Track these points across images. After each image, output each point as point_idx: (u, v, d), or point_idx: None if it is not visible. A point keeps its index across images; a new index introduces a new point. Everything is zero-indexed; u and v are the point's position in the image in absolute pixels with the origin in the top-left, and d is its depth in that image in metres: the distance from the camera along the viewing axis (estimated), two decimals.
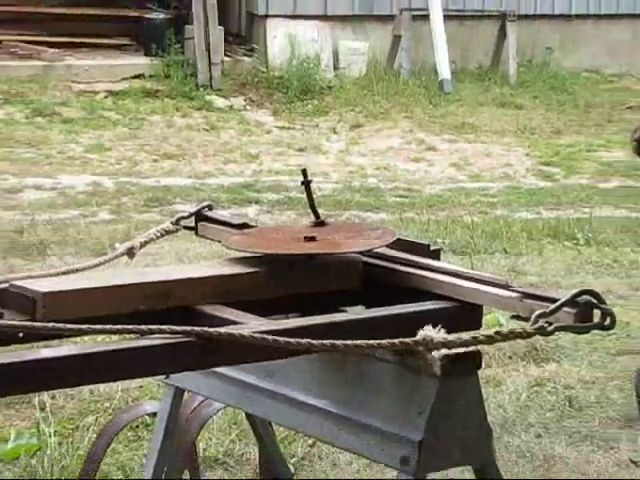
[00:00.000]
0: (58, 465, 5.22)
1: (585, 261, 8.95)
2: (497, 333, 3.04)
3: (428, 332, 3.09)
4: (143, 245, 3.87)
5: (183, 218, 3.98)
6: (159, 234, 3.92)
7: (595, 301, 3.13)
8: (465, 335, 3.11)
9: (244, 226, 3.83)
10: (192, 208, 3.99)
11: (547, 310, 3.06)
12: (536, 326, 3.05)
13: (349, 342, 3.01)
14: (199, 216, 3.95)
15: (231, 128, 14.68)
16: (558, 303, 3.11)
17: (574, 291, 3.15)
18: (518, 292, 3.25)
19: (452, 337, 3.12)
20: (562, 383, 6.33)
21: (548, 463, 5.35)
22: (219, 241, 3.84)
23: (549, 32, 18.64)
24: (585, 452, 5.58)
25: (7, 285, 3.30)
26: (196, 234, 3.98)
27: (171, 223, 3.97)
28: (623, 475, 5.28)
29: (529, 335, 3.09)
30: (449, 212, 10.50)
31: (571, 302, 3.12)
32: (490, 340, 3.10)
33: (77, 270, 3.86)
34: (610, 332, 4.78)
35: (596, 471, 5.30)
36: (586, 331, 3.19)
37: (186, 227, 3.96)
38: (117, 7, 18.40)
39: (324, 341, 2.99)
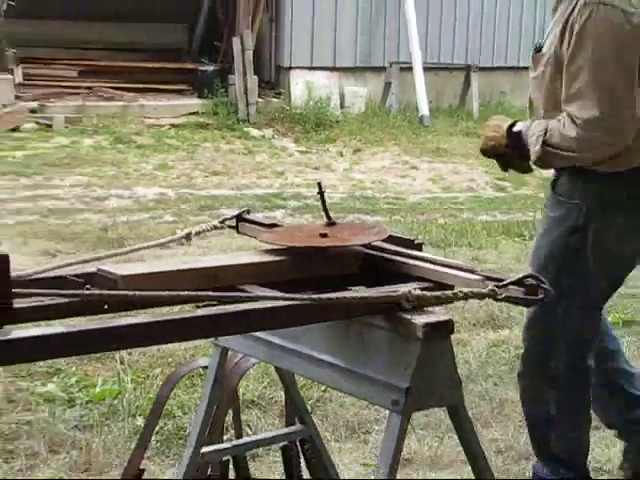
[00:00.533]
0: (133, 405, 5.24)
1: (525, 253, 8.95)
2: (460, 292, 3.17)
3: (408, 288, 3.20)
4: (197, 234, 3.87)
5: (227, 219, 3.98)
6: (209, 228, 3.93)
7: (537, 282, 3.14)
8: (437, 292, 3.20)
9: (273, 225, 3.84)
10: (234, 212, 3.99)
11: (500, 283, 3.13)
12: (488, 290, 3.13)
13: (349, 296, 3.15)
14: (239, 218, 3.95)
15: (263, 152, 14.65)
16: (508, 280, 3.17)
17: (521, 274, 3.20)
18: (481, 275, 3.26)
19: (426, 293, 3.22)
20: (513, 344, 6.31)
21: (502, 405, 5.37)
22: (254, 237, 3.85)
23: (503, 80, 18.59)
24: None
25: (95, 269, 3.32)
26: (237, 232, 3.97)
27: (218, 222, 3.98)
28: None
29: (484, 296, 3.20)
30: (427, 215, 10.54)
31: (519, 282, 3.15)
32: (454, 297, 3.25)
33: (147, 247, 3.93)
34: None
35: None
36: (528, 303, 3.25)
37: (229, 226, 3.97)
38: (178, 61, 18.40)
39: (333, 294, 3.11)
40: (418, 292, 3.20)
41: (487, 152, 4.38)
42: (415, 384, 3.20)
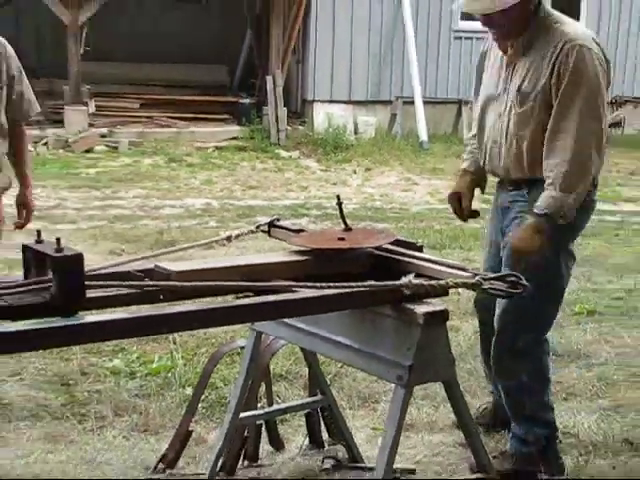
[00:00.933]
0: (183, 378, 5.24)
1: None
2: (451, 281, 3.18)
3: (408, 278, 3.21)
4: (236, 237, 3.87)
5: (261, 225, 3.97)
6: (246, 232, 3.92)
7: (517, 279, 3.11)
8: (432, 282, 3.19)
9: (299, 231, 3.84)
10: (266, 219, 3.97)
11: (485, 276, 3.19)
12: (474, 280, 3.17)
13: (360, 289, 3.15)
14: (271, 224, 3.94)
15: (291, 170, 14.62)
16: (492, 275, 3.23)
17: (504, 272, 3.32)
18: (470, 272, 3.26)
19: (423, 282, 3.21)
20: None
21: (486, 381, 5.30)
22: (284, 240, 3.83)
23: None
24: None
25: (153, 266, 3.31)
26: (269, 235, 3.96)
27: (254, 228, 3.96)
28: None
29: (470, 286, 3.21)
30: (426, 223, 10.49)
31: (502, 278, 3.18)
32: (446, 285, 3.21)
33: (195, 246, 3.95)
34: None
35: None
36: (509, 295, 3.19)
37: (262, 231, 3.96)
38: (222, 96, 18.38)
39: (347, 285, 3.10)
40: (416, 281, 3.20)
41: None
42: (416, 362, 3.20)
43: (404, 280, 3.25)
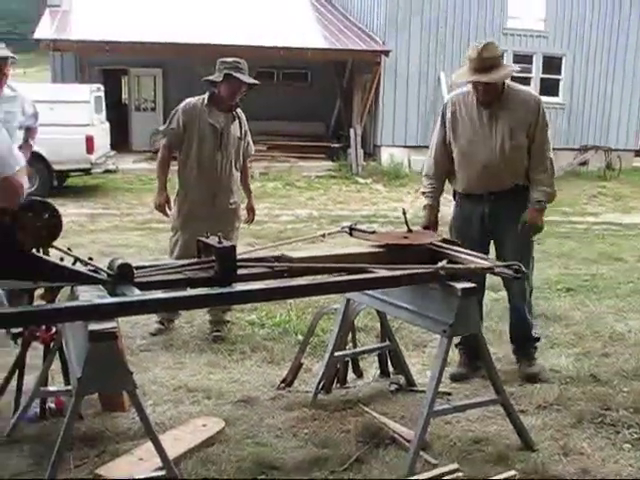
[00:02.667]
0: (296, 328, 5.22)
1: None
2: (474, 266, 3.23)
3: (442, 264, 3.23)
4: (329, 235, 3.93)
5: (344, 227, 3.93)
6: (335, 232, 3.92)
7: (519, 267, 3.12)
8: (459, 266, 3.24)
9: (373, 232, 3.78)
10: (348, 224, 3.94)
11: (496, 264, 3.24)
12: (489, 266, 3.22)
13: (414, 271, 3.11)
14: (351, 227, 3.88)
15: (365, 191, 14.58)
16: (502, 263, 3.28)
17: (510, 262, 3.28)
18: (490, 261, 3.24)
19: (453, 266, 3.24)
20: (505, 299, 6.08)
21: (500, 334, 5.16)
22: (361, 238, 3.79)
23: None
24: None
25: (280, 254, 3.30)
26: (350, 236, 3.90)
27: (340, 229, 3.92)
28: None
29: (488, 269, 3.26)
30: None
31: (509, 266, 3.15)
32: (469, 269, 3.24)
33: (302, 240, 3.92)
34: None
35: None
36: (514, 278, 3.24)
37: (346, 232, 3.91)
38: (320, 141, 18.44)
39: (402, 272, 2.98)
40: (448, 265, 3.20)
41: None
42: (456, 320, 3.16)
43: (440, 264, 3.21)
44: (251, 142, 5.37)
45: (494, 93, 4.17)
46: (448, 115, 4.34)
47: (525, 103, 4.23)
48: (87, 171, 12.98)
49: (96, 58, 17.62)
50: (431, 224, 4.51)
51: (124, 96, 21.75)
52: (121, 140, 17.49)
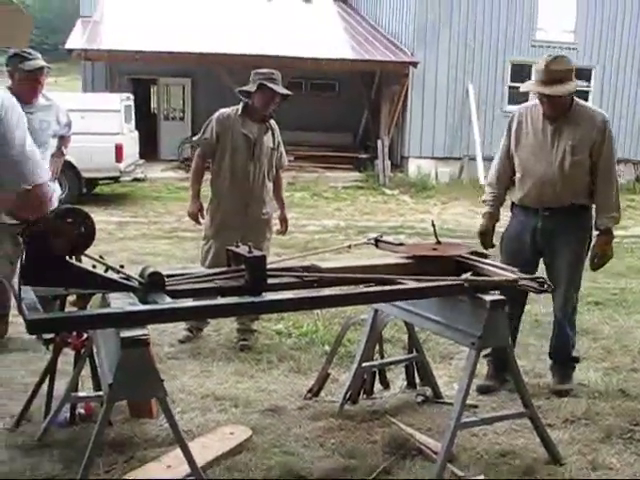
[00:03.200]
0: (323, 339, 5.22)
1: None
2: (498, 279, 3.21)
3: (466, 276, 3.26)
4: (354, 246, 3.94)
5: (370, 239, 3.91)
6: (360, 243, 3.95)
7: (543, 280, 3.16)
8: (483, 278, 3.23)
9: (401, 244, 3.77)
10: (374, 235, 3.94)
11: (522, 277, 3.21)
12: (512, 279, 3.18)
13: (441, 283, 3.06)
14: (377, 240, 3.87)
15: (392, 203, 14.57)
16: (527, 276, 3.25)
17: (535, 275, 3.32)
18: (515, 274, 3.23)
19: (477, 278, 3.22)
20: (532, 313, 6.10)
21: (527, 347, 5.17)
22: (387, 250, 3.78)
23: None
24: (542, 341, 5.37)
25: (309, 263, 3.31)
26: (376, 247, 3.88)
27: (366, 240, 3.92)
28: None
29: (513, 282, 3.20)
30: None
31: (534, 279, 3.20)
32: (493, 282, 3.21)
33: (328, 251, 3.95)
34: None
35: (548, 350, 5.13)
36: (539, 291, 3.21)
37: (371, 243, 3.89)
38: (347, 152, 18.46)
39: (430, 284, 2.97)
40: (472, 277, 3.21)
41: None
42: (485, 333, 3.14)
43: (463, 277, 3.22)
44: (284, 153, 5.39)
45: (560, 107, 4.14)
46: (514, 126, 4.37)
47: (591, 120, 4.19)
48: (116, 179, 13.12)
49: (126, 67, 17.85)
50: (488, 232, 4.54)
51: (153, 105, 21.98)
52: (150, 149, 17.66)
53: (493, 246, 4.58)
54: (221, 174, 5.09)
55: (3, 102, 2.19)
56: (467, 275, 3.24)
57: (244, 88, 5.06)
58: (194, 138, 5.24)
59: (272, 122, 5.21)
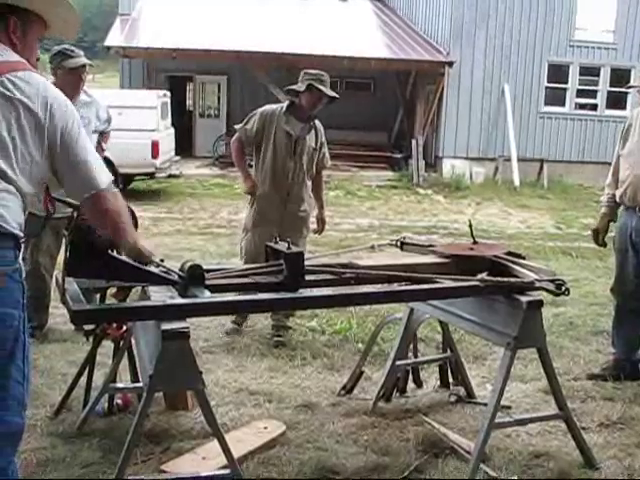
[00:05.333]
0: (356, 336, 5.25)
1: (577, 265, 8.60)
2: (514, 281, 3.19)
3: (482, 276, 3.23)
4: (378, 247, 3.98)
5: (393, 240, 3.89)
6: (384, 244, 4.01)
7: (561, 282, 3.17)
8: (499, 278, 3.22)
9: (430, 245, 3.75)
10: (399, 236, 3.93)
11: (536, 278, 3.18)
12: (529, 281, 3.18)
13: (481, 283, 3.01)
14: (402, 242, 3.84)
15: (426, 202, 14.51)
16: (545, 277, 3.22)
17: (554, 277, 3.26)
18: (539, 276, 3.20)
19: (492, 278, 3.21)
20: (566, 315, 6.08)
21: (560, 349, 5.16)
22: (412, 252, 3.77)
23: (560, 167, 17.92)
24: (576, 343, 5.37)
25: (347, 261, 3.33)
26: (400, 249, 3.85)
27: (390, 242, 3.91)
28: (596, 357, 5.07)
29: (529, 284, 3.19)
30: (517, 241, 10.10)
31: (552, 281, 3.19)
32: (515, 284, 3.18)
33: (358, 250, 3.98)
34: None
35: (584, 353, 5.12)
36: (556, 294, 3.22)
37: (395, 245, 3.85)
38: (382, 151, 18.43)
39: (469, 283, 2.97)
40: (487, 278, 3.20)
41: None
42: (520, 334, 3.14)
43: (480, 276, 3.23)
44: (327, 154, 5.44)
45: None
46: (626, 127, 4.51)
47: None
48: (151, 175, 13.25)
49: (163, 65, 18.02)
50: (599, 230, 4.68)
51: (189, 102, 22.15)
52: (185, 146, 17.81)
53: (604, 245, 4.74)
54: (263, 168, 5.18)
55: (68, 107, 2.21)
56: (482, 275, 3.24)
57: (292, 87, 5.14)
58: (236, 126, 5.39)
59: (317, 123, 5.29)
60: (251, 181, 5.23)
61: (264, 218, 5.15)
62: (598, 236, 4.70)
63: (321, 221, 5.54)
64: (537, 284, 3.17)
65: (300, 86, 5.06)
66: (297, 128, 5.14)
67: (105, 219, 2.37)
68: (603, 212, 4.68)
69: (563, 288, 3.17)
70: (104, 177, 2.29)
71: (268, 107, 5.21)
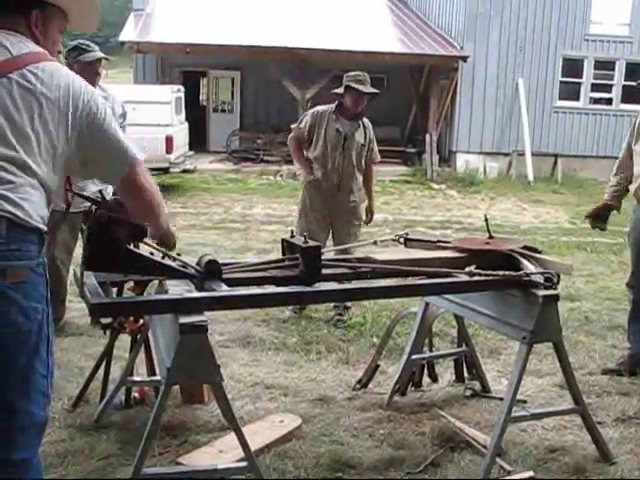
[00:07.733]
0: (371, 331, 5.25)
1: (592, 260, 8.57)
2: (504, 275, 3.14)
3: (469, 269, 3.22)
4: (381, 242, 3.77)
5: (396, 236, 3.77)
6: (387, 240, 3.93)
7: (552, 276, 3.17)
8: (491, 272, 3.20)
9: (439, 241, 3.73)
10: (402, 232, 3.83)
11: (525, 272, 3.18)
12: (522, 275, 3.18)
13: (495, 278, 2.98)
14: (406, 238, 3.75)
15: (440, 197, 14.50)
16: (537, 271, 3.22)
17: (544, 270, 3.25)
18: (538, 271, 3.20)
19: (480, 271, 3.22)
20: (582, 310, 6.07)
21: (576, 344, 5.15)
22: (417, 248, 3.70)
23: (575, 162, 17.83)
24: (592, 338, 5.35)
25: (364, 255, 3.33)
26: (405, 246, 3.74)
27: (394, 237, 3.80)
28: (611, 351, 5.05)
29: (517, 277, 3.19)
30: (532, 236, 10.07)
31: (542, 273, 3.18)
32: (505, 277, 3.17)
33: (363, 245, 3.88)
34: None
35: (599, 348, 5.11)
36: (546, 287, 3.16)
37: (399, 241, 3.75)
38: (395, 146, 18.33)
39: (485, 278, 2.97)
40: (475, 271, 3.24)
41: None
42: (536, 328, 3.14)
43: (468, 269, 3.26)
44: (376, 149, 5.87)
45: None
46: (638, 120, 4.53)
47: None
48: (166, 170, 13.27)
49: (177, 60, 18.06)
50: (593, 214, 4.72)
51: (202, 97, 22.18)
52: (199, 141, 17.83)
53: (602, 229, 4.76)
54: (315, 162, 5.62)
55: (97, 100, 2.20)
56: (471, 268, 3.24)
57: (336, 90, 5.64)
58: (292, 126, 5.84)
59: (366, 121, 5.73)
60: (310, 169, 5.65)
61: (314, 207, 5.65)
62: (592, 220, 4.73)
63: (369, 212, 5.90)
64: (525, 278, 3.16)
65: (341, 88, 5.54)
66: (346, 126, 5.57)
67: (141, 198, 2.33)
68: (604, 199, 4.72)
69: (551, 282, 3.16)
70: (137, 151, 2.29)
71: (318, 108, 5.67)
